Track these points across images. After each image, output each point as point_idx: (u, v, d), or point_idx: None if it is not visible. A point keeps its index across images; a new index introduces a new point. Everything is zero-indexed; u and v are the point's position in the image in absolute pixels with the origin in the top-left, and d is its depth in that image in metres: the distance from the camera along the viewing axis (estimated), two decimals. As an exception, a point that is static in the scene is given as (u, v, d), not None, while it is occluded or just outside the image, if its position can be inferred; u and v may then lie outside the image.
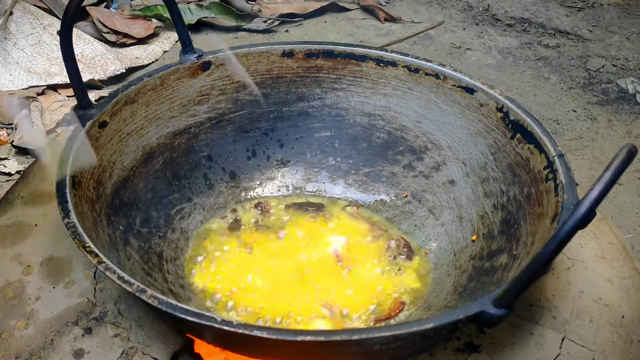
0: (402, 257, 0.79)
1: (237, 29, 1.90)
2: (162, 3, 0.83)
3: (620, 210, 1.28)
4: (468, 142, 0.81)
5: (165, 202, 0.81)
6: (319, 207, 0.87)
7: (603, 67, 1.78)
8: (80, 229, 0.58)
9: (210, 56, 0.84)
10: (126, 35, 1.76)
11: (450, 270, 0.76)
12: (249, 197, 0.89)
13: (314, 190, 0.91)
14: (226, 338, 0.57)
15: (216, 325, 0.50)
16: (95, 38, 1.71)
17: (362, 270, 0.78)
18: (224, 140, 0.88)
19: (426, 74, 0.83)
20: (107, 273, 0.54)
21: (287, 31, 1.92)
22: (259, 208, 0.87)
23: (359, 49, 0.86)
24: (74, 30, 1.37)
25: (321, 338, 0.50)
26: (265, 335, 0.50)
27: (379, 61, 0.85)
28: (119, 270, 0.55)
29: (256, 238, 0.82)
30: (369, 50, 0.86)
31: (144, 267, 0.71)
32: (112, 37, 1.75)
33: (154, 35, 1.81)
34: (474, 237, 0.76)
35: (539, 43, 1.91)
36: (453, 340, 0.67)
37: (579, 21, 2.01)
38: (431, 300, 0.74)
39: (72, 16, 0.68)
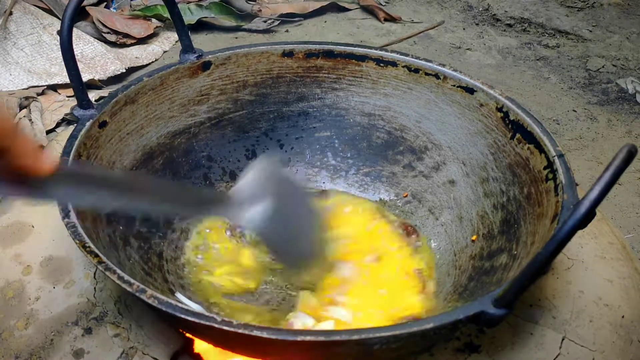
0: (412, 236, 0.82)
1: (237, 29, 1.90)
2: (162, 3, 0.83)
3: (620, 210, 1.28)
4: (468, 142, 0.81)
5: (165, 202, 0.81)
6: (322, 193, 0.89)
7: (603, 67, 1.78)
8: (80, 229, 0.58)
9: (210, 56, 0.84)
10: (126, 35, 1.76)
11: (450, 270, 0.76)
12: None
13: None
14: (226, 338, 0.57)
15: (216, 325, 0.50)
16: (95, 38, 1.71)
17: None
18: (223, 140, 0.88)
19: (426, 74, 0.83)
20: (107, 273, 0.54)
21: (287, 31, 1.92)
22: None
23: (359, 49, 0.86)
24: (74, 30, 1.37)
25: (321, 338, 0.50)
26: (265, 335, 0.50)
27: (379, 61, 0.85)
28: (119, 271, 0.55)
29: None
30: (369, 50, 0.86)
31: (144, 267, 0.71)
32: (112, 37, 1.75)
33: (153, 35, 1.81)
34: (474, 237, 0.76)
35: (539, 43, 1.91)
36: (453, 340, 0.67)
37: (579, 21, 2.01)
38: (431, 300, 0.74)
39: (72, 16, 0.68)
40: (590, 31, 1.96)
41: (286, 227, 0.69)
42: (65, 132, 0.95)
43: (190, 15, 1.86)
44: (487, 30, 1.97)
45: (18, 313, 0.69)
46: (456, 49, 1.88)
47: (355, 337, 0.50)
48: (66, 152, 0.67)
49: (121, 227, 0.72)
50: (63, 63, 0.71)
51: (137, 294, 0.53)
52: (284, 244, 0.69)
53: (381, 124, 0.88)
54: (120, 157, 0.76)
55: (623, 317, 0.70)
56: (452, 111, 0.82)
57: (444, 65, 0.82)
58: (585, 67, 1.79)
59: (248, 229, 0.66)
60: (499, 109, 0.76)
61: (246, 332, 0.50)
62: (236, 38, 1.86)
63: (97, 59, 1.63)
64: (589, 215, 0.45)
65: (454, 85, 0.81)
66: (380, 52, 0.85)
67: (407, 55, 0.85)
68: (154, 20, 1.84)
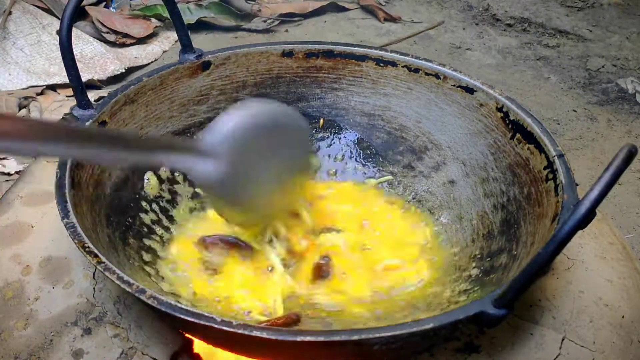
0: None
1: (237, 28, 1.90)
2: (162, 3, 0.83)
3: (620, 210, 1.28)
4: (468, 142, 0.81)
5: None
6: None
7: (603, 67, 1.78)
8: (79, 229, 0.58)
9: (209, 56, 0.84)
10: (126, 35, 1.76)
11: (450, 270, 0.76)
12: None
13: (314, 190, 0.91)
14: (226, 338, 0.57)
15: (215, 326, 0.50)
16: (95, 38, 1.71)
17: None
18: (223, 140, 0.88)
19: (426, 73, 0.83)
20: (107, 273, 0.54)
21: (286, 31, 1.92)
22: None
23: (359, 48, 0.86)
24: (74, 30, 1.37)
25: (321, 338, 0.50)
26: (264, 335, 0.50)
27: (379, 61, 0.85)
28: (118, 271, 0.55)
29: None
30: (369, 50, 0.85)
31: (144, 267, 0.71)
32: (111, 37, 1.75)
33: (153, 35, 1.81)
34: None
35: (539, 43, 1.91)
36: (453, 340, 0.67)
37: (579, 21, 2.01)
38: (431, 300, 0.74)
39: (72, 16, 0.68)
40: (590, 31, 1.96)
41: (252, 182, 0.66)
42: (64, 132, 0.95)
43: (190, 15, 1.86)
44: (487, 30, 1.97)
45: (17, 313, 0.69)
46: (456, 49, 1.88)
47: (355, 337, 0.50)
48: (65, 152, 0.66)
49: (121, 227, 0.72)
50: (62, 63, 0.70)
51: (137, 294, 0.53)
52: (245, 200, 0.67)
53: (381, 124, 0.88)
54: (120, 157, 0.76)
55: (623, 317, 0.70)
56: (452, 111, 0.82)
57: (444, 65, 0.82)
58: (585, 67, 1.79)
59: (201, 186, 0.63)
60: (499, 109, 0.76)
61: (246, 332, 0.50)
62: (236, 38, 1.86)
63: (96, 59, 1.63)
64: (589, 215, 0.45)
65: (454, 85, 0.81)
66: (380, 52, 0.85)
67: (407, 55, 0.84)
68: (153, 20, 1.84)
